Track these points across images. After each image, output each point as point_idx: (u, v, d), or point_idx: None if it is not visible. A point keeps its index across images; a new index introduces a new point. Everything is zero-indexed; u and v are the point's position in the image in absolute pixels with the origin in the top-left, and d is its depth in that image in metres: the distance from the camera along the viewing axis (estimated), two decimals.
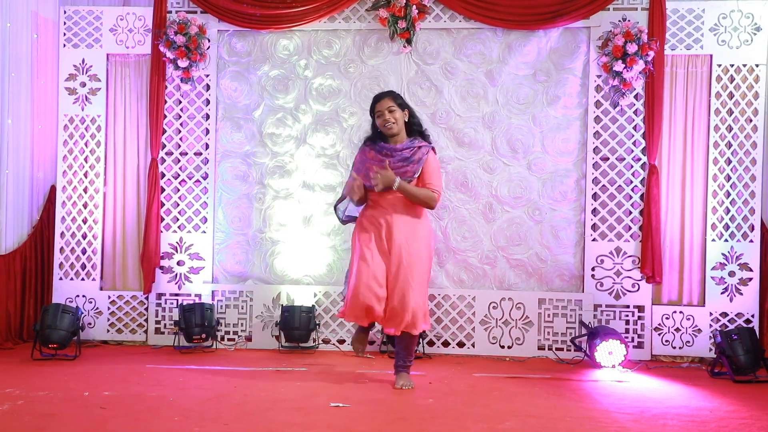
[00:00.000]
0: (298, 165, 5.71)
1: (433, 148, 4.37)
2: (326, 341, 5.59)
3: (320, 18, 5.57)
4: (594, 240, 5.47)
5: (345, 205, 4.51)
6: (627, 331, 5.41)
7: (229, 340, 5.67)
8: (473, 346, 5.49)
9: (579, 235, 5.52)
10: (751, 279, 5.35)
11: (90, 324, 5.69)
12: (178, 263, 5.71)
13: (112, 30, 5.76)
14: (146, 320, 5.71)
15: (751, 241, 5.36)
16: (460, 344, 5.51)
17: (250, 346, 5.62)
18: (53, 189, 5.86)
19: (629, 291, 5.43)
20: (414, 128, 4.36)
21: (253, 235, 5.74)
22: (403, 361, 4.41)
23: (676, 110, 5.46)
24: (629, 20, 5.33)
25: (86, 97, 5.77)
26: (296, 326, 5.40)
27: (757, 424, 3.67)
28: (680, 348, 5.38)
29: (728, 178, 5.42)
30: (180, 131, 5.77)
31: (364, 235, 4.32)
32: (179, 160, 5.76)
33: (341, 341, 5.59)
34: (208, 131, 5.73)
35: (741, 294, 5.35)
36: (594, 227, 5.49)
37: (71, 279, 5.74)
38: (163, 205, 5.73)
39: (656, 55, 5.30)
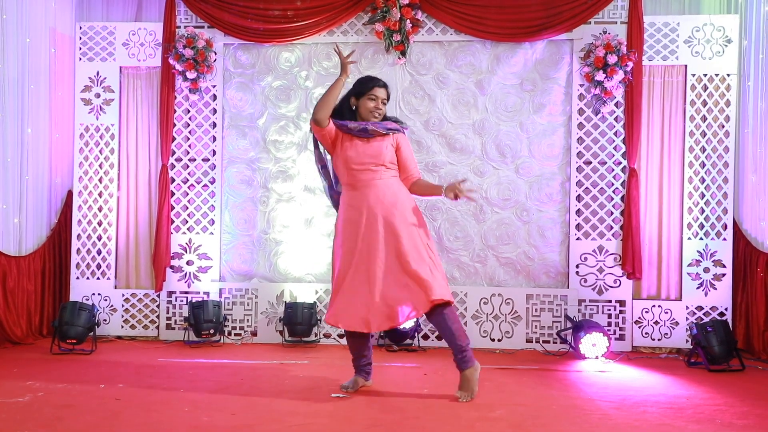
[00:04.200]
0: (300, 170, 5.78)
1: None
2: (327, 335, 5.64)
3: (320, 32, 5.65)
4: (578, 239, 5.55)
5: (328, 180, 4.08)
6: (609, 324, 5.48)
7: (235, 335, 5.73)
8: None
9: (564, 235, 5.59)
10: (724, 275, 5.44)
11: (105, 320, 5.77)
12: (188, 263, 5.80)
13: (124, 44, 5.84)
14: (158, 317, 5.79)
15: (725, 239, 5.44)
16: None
17: (255, 340, 5.69)
18: (70, 194, 5.95)
19: (611, 287, 5.50)
20: None
21: (257, 236, 5.80)
22: (454, 353, 3.80)
23: (653, 117, 5.53)
24: (609, 33, 5.41)
25: (101, 107, 5.85)
26: (299, 321, 5.44)
27: (731, 410, 3.74)
28: (659, 340, 5.46)
29: (703, 180, 5.49)
30: (189, 139, 5.83)
31: (345, 242, 3.85)
32: (188, 166, 5.84)
33: (341, 335, 5.58)
34: (215, 138, 5.81)
35: (715, 289, 5.43)
36: (578, 227, 5.56)
37: (87, 278, 5.82)
38: (173, 208, 5.79)
39: (635, 66, 5.36)
